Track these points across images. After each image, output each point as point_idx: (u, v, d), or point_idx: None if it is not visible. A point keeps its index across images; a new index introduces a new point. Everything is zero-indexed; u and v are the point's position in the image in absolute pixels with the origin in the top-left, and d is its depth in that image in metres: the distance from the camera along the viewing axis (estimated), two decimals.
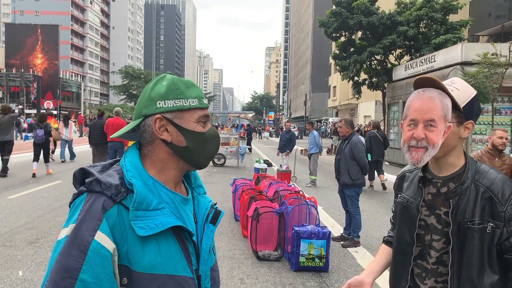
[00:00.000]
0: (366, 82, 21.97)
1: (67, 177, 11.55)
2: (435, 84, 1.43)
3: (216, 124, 49.65)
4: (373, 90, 22.44)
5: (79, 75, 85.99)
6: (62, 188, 9.87)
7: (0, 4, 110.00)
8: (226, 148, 16.34)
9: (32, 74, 64.29)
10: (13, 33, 72.17)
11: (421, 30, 20.13)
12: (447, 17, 19.76)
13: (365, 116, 43.15)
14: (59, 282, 0.93)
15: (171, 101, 1.10)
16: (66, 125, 15.59)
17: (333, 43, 25.59)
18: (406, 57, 20.84)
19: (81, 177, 1.08)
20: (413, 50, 20.12)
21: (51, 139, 12.70)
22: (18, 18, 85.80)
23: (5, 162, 11.50)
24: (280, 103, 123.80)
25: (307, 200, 5.91)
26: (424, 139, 1.39)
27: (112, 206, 1.01)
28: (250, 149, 24.92)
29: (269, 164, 15.12)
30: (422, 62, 16.74)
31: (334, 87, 53.70)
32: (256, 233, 5.48)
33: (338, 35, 21.97)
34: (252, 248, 5.60)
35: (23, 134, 29.13)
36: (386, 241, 1.82)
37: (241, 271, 4.97)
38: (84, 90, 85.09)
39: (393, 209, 1.70)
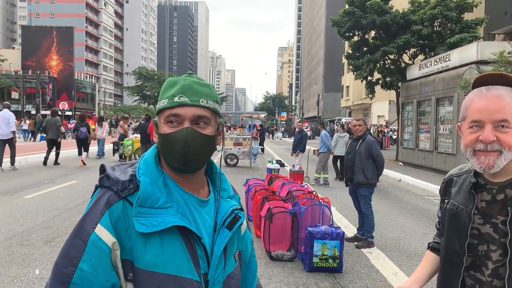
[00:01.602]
0: (380, 81, 21.78)
1: (82, 177, 11.70)
2: (507, 81, 1.31)
3: (229, 124, 49.74)
4: (386, 90, 22.23)
5: (93, 77, 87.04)
6: (77, 188, 10.00)
7: (17, 7, 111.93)
8: (239, 149, 16.37)
9: (47, 76, 65.30)
10: (29, 36, 73.41)
11: (435, 29, 19.88)
12: (462, 16, 19.48)
13: (378, 116, 42.83)
14: (62, 268, 0.99)
15: (158, 103, 1.14)
16: (100, 125, 17.77)
17: (346, 42, 25.43)
18: (420, 56, 20.60)
19: (101, 172, 1.11)
20: (427, 49, 19.89)
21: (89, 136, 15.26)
22: (34, 21, 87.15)
23: (57, 155, 14.27)
24: (293, 103, 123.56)
25: (320, 201, 5.89)
26: (496, 142, 1.27)
27: (117, 201, 1.03)
28: (262, 150, 24.91)
29: (282, 165, 15.10)
30: (436, 61, 16.54)
31: (347, 87, 53.41)
32: (269, 233, 5.48)
33: (351, 34, 21.82)
34: (265, 248, 5.60)
35: (39, 134, 29.50)
36: (432, 248, 1.70)
37: None
38: (99, 91, 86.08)
39: (439, 214, 1.60)
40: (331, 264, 4.98)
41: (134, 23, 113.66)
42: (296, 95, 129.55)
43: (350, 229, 7.04)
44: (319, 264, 4.96)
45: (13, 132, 12.27)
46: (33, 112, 53.58)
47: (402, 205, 9.48)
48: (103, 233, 1.00)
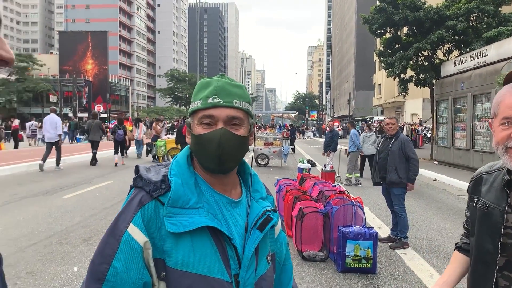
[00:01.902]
0: (413, 79, 21.29)
1: (118, 178, 12.01)
2: None
3: (259, 124, 49.82)
4: (420, 87, 21.70)
5: (127, 79, 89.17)
6: (112, 188, 10.27)
7: (54, 13, 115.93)
8: (269, 149, 16.37)
9: (83, 79, 67.38)
10: (66, 41, 75.99)
11: (471, 23, 19.26)
12: (500, 9, 18.77)
13: (412, 114, 41.86)
14: (97, 266, 1.02)
15: (191, 104, 1.15)
16: (137, 127, 18.61)
17: (378, 40, 24.99)
18: (455, 52, 19.99)
19: (135, 173, 1.14)
20: (462, 45, 19.27)
21: (126, 138, 16.09)
22: (70, 27, 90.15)
23: (94, 154, 15.14)
24: (323, 102, 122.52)
25: (353, 201, 5.82)
26: None
27: (149, 201, 1.05)
28: (293, 149, 24.82)
29: (313, 164, 14.99)
30: (472, 57, 16.01)
31: (379, 84, 52.46)
32: (300, 233, 5.46)
33: (382, 31, 21.43)
34: (297, 248, 5.59)
35: (77, 136, 30.47)
36: (460, 248, 1.65)
37: None
38: (132, 93, 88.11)
39: (467, 213, 1.56)
40: (364, 265, 4.91)
41: (166, 26, 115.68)
42: (326, 94, 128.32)
43: (383, 230, 6.92)
44: (352, 265, 4.91)
45: (60, 135, 13.13)
46: (70, 114, 55.41)
47: (438, 205, 9.24)
48: (135, 232, 1.02)
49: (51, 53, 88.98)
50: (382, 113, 52.91)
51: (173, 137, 19.92)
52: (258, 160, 16.15)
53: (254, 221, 1.14)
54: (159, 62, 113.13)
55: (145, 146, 18.99)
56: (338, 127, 46.85)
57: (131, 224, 1.03)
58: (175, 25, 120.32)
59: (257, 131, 26.00)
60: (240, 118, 1.11)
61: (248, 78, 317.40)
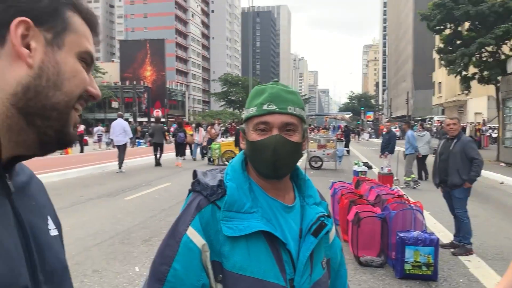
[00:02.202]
0: (476, 76, 20.18)
1: (176, 180, 12.39)
2: None
3: (312, 126, 49.35)
4: (484, 85, 20.53)
5: (183, 85, 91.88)
6: (171, 190, 10.61)
7: (115, 23, 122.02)
8: (323, 151, 16.17)
9: (143, 86, 70.21)
10: (126, 49, 79.65)
11: None
12: None
13: (475, 113, 39.65)
14: (158, 266, 1.07)
15: (245, 111, 1.17)
16: (197, 131, 19.46)
17: (437, 36, 23.93)
18: None
19: (193, 177, 1.18)
20: None
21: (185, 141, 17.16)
22: (130, 35, 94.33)
23: (159, 156, 16.22)
24: (380, 103, 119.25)
25: (412, 205, 5.62)
26: None
27: (206, 205, 1.09)
28: (348, 151, 24.37)
29: (369, 167, 14.62)
30: None
31: (439, 83, 50.23)
32: (357, 238, 5.35)
33: (442, 27, 20.51)
34: (354, 253, 5.47)
35: (137, 140, 31.74)
36: None
37: None
38: (188, 98, 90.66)
39: None
40: (424, 272, 4.71)
41: (220, 31, 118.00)
42: (383, 93, 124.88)
43: (445, 235, 6.60)
44: (412, 271, 4.73)
45: (130, 139, 14.09)
46: (131, 119, 57.95)
47: (506, 210, 8.68)
48: (193, 235, 1.06)
49: (113, 61, 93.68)
50: (443, 113, 50.56)
51: (227, 140, 20.30)
52: (312, 162, 16.00)
53: (308, 226, 1.14)
54: (213, 67, 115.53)
55: (198, 149, 19.65)
56: (396, 128, 45.40)
57: (190, 227, 1.07)
58: (228, 30, 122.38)
59: (310, 133, 25.77)
60: (294, 124, 1.12)
61: (301, 80, 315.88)
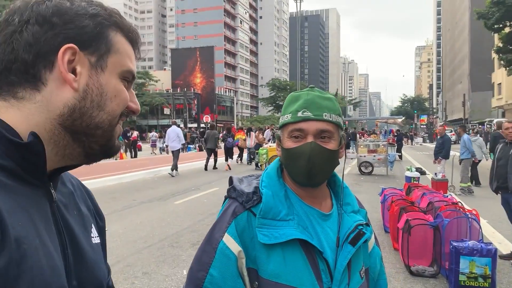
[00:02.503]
0: None
1: (223, 185, 12.54)
2: None
3: (363, 130, 48.28)
4: None
5: (231, 90, 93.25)
6: (219, 194, 10.75)
7: (167, 32, 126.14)
8: (374, 156, 15.76)
9: (193, 92, 72.00)
10: (177, 57, 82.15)
11: None
12: None
13: None
14: (196, 272, 1.08)
15: (281, 118, 1.17)
16: (249, 136, 20.00)
17: (495, 35, 22.74)
18: None
19: (230, 184, 1.20)
20: None
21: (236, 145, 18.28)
22: (181, 44, 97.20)
23: (215, 161, 17.14)
24: (434, 106, 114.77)
25: (467, 213, 5.34)
26: None
27: (242, 212, 1.09)
28: (400, 156, 23.63)
29: (422, 172, 14.09)
30: None
31: (499, 84, 47.57)
32: (408, 246, 5.15)
33: (501, 26, 19.48)
34: (404, 263, 5.28)
35: (187, 146, 32.51)
36: None
37: (392, 285, 4.71)
38: (237, 103, 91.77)
39: None
40: (481, 284, 4.45)
41: (267, 37, 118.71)
42: (437, 96, 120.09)
43: (505, 245, 6.22)
44: (467, 283, 4.48)
45: (183, 144, 14.76)
46: (182, 125, 59.52)
47: None
48: (230, 241, 1.06)
49: (164, 69, 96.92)
50: (503, 115, 47.80)
51: (274, 145, 20.43)
52: (362, 168, 15.64)
53: (346, 235, 1.12)
54: (261, 73, 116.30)
55: (245, 155, 20.00)
56: (451, 131, 43.47)
57: (226, 233, 1.08)
58: (276, 36, 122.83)
59: (360, 138, 25.22)
60: (330, 131, 1.10)
61: (351, 83, 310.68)
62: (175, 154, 14.64)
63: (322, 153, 1.08)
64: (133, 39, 0.81)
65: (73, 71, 0.72)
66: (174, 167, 14.56)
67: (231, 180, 1.20)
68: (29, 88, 0.71)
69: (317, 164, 1.08)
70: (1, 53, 0.71)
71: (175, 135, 14.57)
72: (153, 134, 31.20)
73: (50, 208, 0.73)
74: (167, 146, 18.08)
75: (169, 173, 14.55)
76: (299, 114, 1.09)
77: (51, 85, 0.71)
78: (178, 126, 15.89)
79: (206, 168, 16.69)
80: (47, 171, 0.73)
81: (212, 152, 16.93)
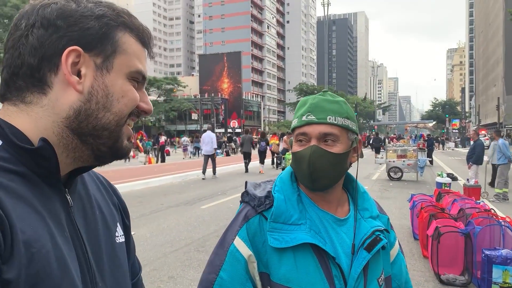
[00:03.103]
0: None
1: None
2: None
3: (392, 134, 47.33)
4: None
5: (258, 95, 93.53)
6: None
7: (195, 38, 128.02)
8: (403, 161, 15.44)
9: (220, 97, 72.61)
10: (205, 63, 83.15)
11: None
12: None
13: None
14: (207, 274, 1.10)
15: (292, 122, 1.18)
16: (281, 140, 20.35)
17: None
18: None
19: (245, 188, 1.21)
20: None
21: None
22: (209, 49, 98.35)
23: (246, 164, 17.98)
24: (466, 109, 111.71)
25: (500, 220, 5.14)
26: None
27: (254, 216, 1.10)
28: (431, 162, 23.07)
29: (454, 178, 13.70)
30: None
31: None
32: (437, 254, 5.00)
33: None
34: (434, 271, 5.12)
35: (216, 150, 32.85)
36: None
37: None
38: (264, 108, 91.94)
39: None
40: None
41: (295, 41, 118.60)
42: (470, 100, 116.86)
43: None
44: None
45: (215, 149, 15.66)
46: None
47: None
48: (240, 245, 1.07)
49: (192, 75, 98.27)
50: None
51: None
52: (391, 173, 15.34)
53: (361, 241, 1.09)
54: (288, 77, 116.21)
55: (270, 159, 20.49)
56: (485, 136, 42.12)
57: (237, 237, 1.09)
58: (303, 40, 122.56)
59: (389, 142, 24.77)
60: (335, 134, 1.09)
61: (380, 87, 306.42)
62: (210, 158, 15.39)
63: (323, 156, 1.07)
64: (144, 39, 0.80)
65: (79, 73, 0.72)
66: (205, 171, 15.30)
67: (246, 185, 1.21)
68: (36, 92, 0.72)
69: (318, 168, 1.07)
70: (9, 58, 0.72)
71: (209, 140, 15.37)
72: (185, 139, 32.48)
73: (66, 211, 0.74)
74: (201, 150, 19.18)
75: (212, 177, 15.60)
76: (304, 118, 1.11)
77: (57, 88, 0.72)
78: (205, 131, 16.22)
79: (246, 171, 17.81)
80: (62, 174, 0.74)
81: (248, 155, 17.88)
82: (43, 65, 0.71)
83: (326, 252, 1.05)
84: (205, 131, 16.38)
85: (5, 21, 36.39)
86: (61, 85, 0.71)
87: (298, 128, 1.12)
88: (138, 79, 0.79)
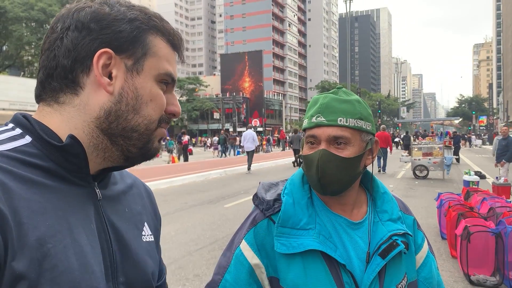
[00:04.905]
0: None
1: None
2: None
3: (417, 131, 46.44)
4: None
5: (280, 94, 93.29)
6: None
7: (216, 38, 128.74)
8: (429, 159, 15.14)
9: (242, 96, 72.87)
10: (226, 62, 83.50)
11: None
12: None
13: None
14: (214, 275, 1.10)
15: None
16: None
17: None
18: None
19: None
20: None
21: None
22: (230, 49, 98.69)
23: (296, 158, 18.79)
24: (494, 106, 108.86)
25: None
26: None
27: (261, 220, 1.08)
28: (457, 159, 22.57)
29: (482, 176, 13.34)
30: None
31: None
32: (467, 254, 4.87)
33: None
34: (463, 271, 5.00)
35: (236, 149, 32.78)
36: None
37: None
38: (285, 107, 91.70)
39: None
40: None
41: (316, 39, 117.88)
42: (498, 96, 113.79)
43: None
44: None
45: (257, 146, 16.94)
46: (231, 129, 60.41)
47: None
48: (245, 249, 1.06)
49: (214, 74, 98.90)
50: None
51: None
52: (416, 171, 15.06)
53: (377, 246, 1.04)
54: (310, 75, 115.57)
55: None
56: None
57: (243, 240, 1.08)
58: (325, 37, 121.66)
59: (414, 140, 24.39)
60: (346, 137, 1.02)
61: (404, 84, 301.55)
62: (250, 154, 16.80)
63: (331, 161, 1.01)
64: (174, 43, 0.81)
65: (110, 75, 0.74)
66: (249, 166, 16.65)
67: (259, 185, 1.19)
68: (69, 92, 0.74)
69: (327, 173, 1.01)
70: (45, 59, 0.75)
71: (250, 137, 16.69)
72: (215, 139, 34.64)
73: (95, 207, 0.75)
74: (242, 146, 20.19)
75: (246, 173, 16.66)
76: (313, 119, 1.05)
77: (89, 89, 0.73)
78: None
79: (294, 165, 19.30)
80: (92, 172, 0.76)
81: (297, 151, 18.96)
82: (76, 66, 0.73)
83: (335, 259, 1.01)
84: (243, 130, 18.00)
85: (32, 24, 37.34)
86: (92, 86, 0.73)
87: (308, 130, 1.07)
88: (167, 81, 0.80)
